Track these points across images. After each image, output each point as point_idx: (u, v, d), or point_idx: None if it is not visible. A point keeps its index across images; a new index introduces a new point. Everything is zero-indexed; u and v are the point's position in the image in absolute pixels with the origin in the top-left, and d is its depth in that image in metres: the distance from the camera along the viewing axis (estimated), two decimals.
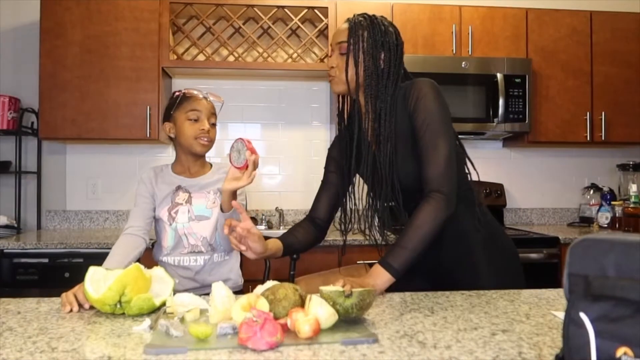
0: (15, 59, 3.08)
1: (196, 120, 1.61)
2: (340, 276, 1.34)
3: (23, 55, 3.06)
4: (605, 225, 3.10)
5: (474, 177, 1.47)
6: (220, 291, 1.03)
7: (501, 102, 2.92)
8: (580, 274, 0.62)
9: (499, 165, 3.42)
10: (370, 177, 1.41)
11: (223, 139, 3.17)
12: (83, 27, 2.77)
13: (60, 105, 2.76)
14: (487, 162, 3.39)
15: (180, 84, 3.14)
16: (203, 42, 3.02)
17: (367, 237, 1.46)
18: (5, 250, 2.42)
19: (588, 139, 3.07)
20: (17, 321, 1.04)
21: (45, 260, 2.44)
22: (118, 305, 1.08)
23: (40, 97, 2.75)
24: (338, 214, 1.55)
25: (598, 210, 3.19)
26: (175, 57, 2.95)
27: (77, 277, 1.18)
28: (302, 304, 0.99)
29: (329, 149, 1.59)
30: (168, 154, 3.17)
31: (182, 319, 1.03)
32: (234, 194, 1.37)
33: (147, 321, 1.00)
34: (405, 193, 1.38)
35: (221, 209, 1.42)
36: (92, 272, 1.15)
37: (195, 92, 1.64)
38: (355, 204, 1.49)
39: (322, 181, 1.56)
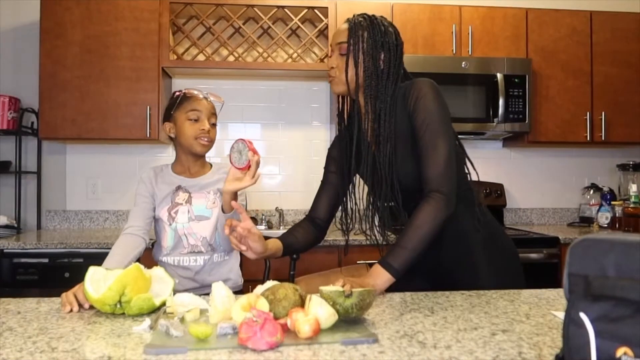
0: (15, 59, 3.08)
1: (196, 121, 1.61)
2: (340, 276, 1.34)
3: (23, 55, 3.06)
4: (605, 225, 3.10)
5: (474, 177, 1.47)
6: (220, 291, 1.03)
7: (501, 102, 2.92)
8: (580, 274, 0.62)
9: (499, 165, 3.42)
10: (370, 177, 1.41)
11: (223, 139, 3.17)
12: (83, 27, 2.77)
13: (60, 105, 2.76)
14: (487, 162, 3.39)
15: (180, 84, 3.14)
16: (203, 42, 3.02)
17: (368, 237, 1.46)
18: (5, 250, 2.42)
19: (588, 139, 3.07)
20: (17, 321, 1.04)
21: (45, 260, 2.44)
22: (118, 305, 1.08)
23: (40, 97, 2.75)
24: (338, 214, 1.55)
25: (598, 210, 3.19)
26: (175, 57, 2.95)
27: (77, 277, 1.18)
28: (302, 304, 0.99)
29: (329, 149, 1.59)
30: (168, 154, 3.17)
31: (182, 319, 1.03)
32: (235, 195, 1.37)
33: (147, 321, 1.00)
34: (404, 193, 1.38)
35: (222, 210, 1.42)
36: (92, 272, 1.15)
37: (196, 92, 1.64)
38: (355, 204, 1.49)
39: (322, 181, 1.56)
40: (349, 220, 1.50)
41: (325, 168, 1.56)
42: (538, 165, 3.46)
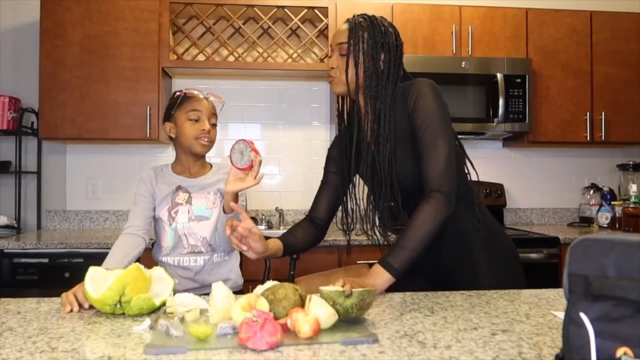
0: (15, 59, 3.08)
1: (197, 121, 1.61)
2: (340, 276, 1.35)
3: (23, 55, 3.06)
4: (605, 225, 3.10)
5: (474, 177, 1.47)
6: (220, 291, 1.03)
7: (501, 102, 2.92)
8: (580, 274, 0.62)
9: (499, 165, 3.42)
10: (369, 177, 1.41)
11: (223, 139, 3.17)
12: (83, 27, 2.77)
13: (60, 105, 2.76)
14: (487, 162, 3.39)
15: (180, 84, 3.14)
16: (203, 42, 3.02)
17: (369, 238, 1.46)
18: (5, 250, 2.42)
19: (588, 139, 3.07)
20: (17, 321, 1.04)
21: (45, 260, 2.44)
22: (118, 305, 1.08)
23: (40, 97, 2.75)
24: (339, 214, 1.55)
25: (598, 210, 3.19)
26: (175, 57, 2.95)
27: (77, 277, 1.18)
28: (302, 304, 0.99)
29: (329, 149, 1.59)
30: (168, 154, 3.17)
31: (182, 319, 1.03)
32: (236, 195, 1.37)
33: (147, 321, 1.00)
34: (404, 193, 1.38)
35: (224, 211, 1.42)
36: (92, 272, 1.15)
37: (196, 92, 1.64)
38: (356, 204, 1.49)
39: (322, 181, 1.56)
40: (349, 221, 1.50)
41: (325, 168, 1.57)
42: (538, 165, 3.46)
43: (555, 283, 2.53)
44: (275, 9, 2.93)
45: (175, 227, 1.62)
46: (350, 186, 1.51)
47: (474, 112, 2.93)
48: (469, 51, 2.98)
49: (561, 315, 1.04)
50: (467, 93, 2.92)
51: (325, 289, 1.01)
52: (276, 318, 0.94)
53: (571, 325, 0.62)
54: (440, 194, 1.28)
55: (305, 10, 2.95)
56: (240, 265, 1.77)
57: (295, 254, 1.63)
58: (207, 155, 1.69)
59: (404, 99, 1.36)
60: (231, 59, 3.00)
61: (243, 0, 2.89)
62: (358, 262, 2.40)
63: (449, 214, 1.28)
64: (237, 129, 3.24)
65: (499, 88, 2.91)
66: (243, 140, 1.30)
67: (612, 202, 3.15)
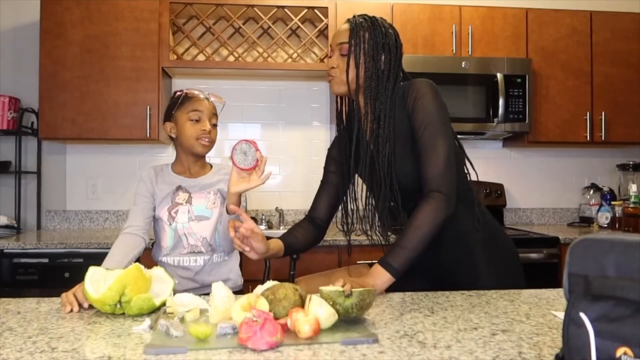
0: (15, 59, 3.08)
1: (197, 121, 1.61)
2: (340, 276, 1.35)
3: (23, 55, 3.06)
4: (605, 225, 3.10)
5: (474, 177, 1.47)
6: (220, 291, 1.03)
7: (501, 102, 2.92)
8: (580, 274, 0.62)
9: (499, 165, 3.42)
10: (369, 177, 1.41)
11: (223, 139, 3.17)
12: (83, 27, 2.77)
13: (60, 105, 2.76)
14: (487, 162, 3.39)
15: (180, 84, 3.14)
16: (203, 42, 3.02)
17: (368, 238, 1.46)
18: (5, 250, 2.42)
19: (588, 139, 3.07)
20: (17, 321, 1.04)
21: (45, 260, 2.44)
22: (118, 305, 1.08)
23: (40, 97, 2.75)
24: (338, 214, 1.55)
25: (598, 210, 3.19)
26: (175, 57, 2.95)
27: (77, 277, 1.18)
28: (302, 304, 0.99)
29: (329, 149, 1.59)
30: (168, 154, 3.17)
31: (182, 319, 1.03)
32: (240, 196, 1.38)
33: (147, 321, 1.00)
34: (404, 193, 1.38)
35: (227, 211, 1.42)
36: (92, 272, 1.15)
37: (197, 93, 1.64)
38: (355, 205, 1.49)
39: (322, 181, 1.56)
40: (349, 221, 1.50)
41: (325, 168, 1.57)
42: (538, 165, 3.46)
43: (555, 283, 2.53)
44: (275, 9, 2.93)
45: (175, 227, 1.62)
46: (350, 186, 1.51)
47: (474, 112, 2.93)
48: (469, 51, 2.98)
49: (561, 315, 1.04)
50: (467, 93, 2.92)
51: (325, 289, 1.01)
52: (276, 318, 0.94)
53: (571, 325, 0.62)
54: (439, 194, 1.28)
55: (305, 10, 2.95)
56: (240, 266, 1.77)
57: (295, 254, 1.63)
58: (207, 155, 1.69)
59: (403, 99, 1.36)
60: (231, 59, 3.00)
61: (243, 0, 2.89)
62: (358, 262, 2.39)
63: (449, 213, 1.28)
64: (237, 129, 3.24)
65: (499, 88, 2.91)
66: (245, 140, 1.30)
67: (612, 202, 3.15)
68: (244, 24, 3.06)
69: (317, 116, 3.29)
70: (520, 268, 1.48)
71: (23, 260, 2.43)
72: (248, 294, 1.03)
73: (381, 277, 1.23)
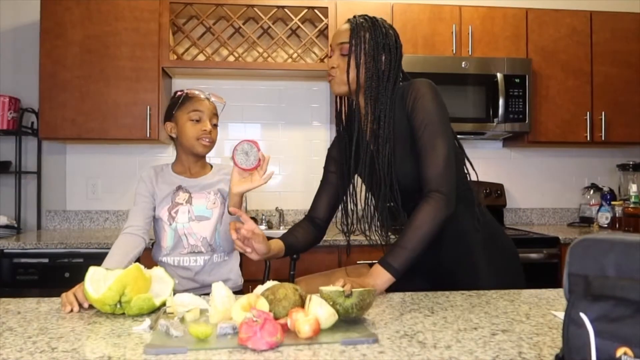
0: (15, 59, 3.08)
1: (198, 121, 1.61)
2: (340, 276, 1.34)
3: (23, 55, 3.06)
4: (605, 225, 3.10)
5: (473, 177, 1.47)
6: (220, 291, 1.03)
7: (501, 102, 2.91)
8: (580, 274, 0.62)
9: (499, 165, 3.42)
10: (368, 177, 1.41)
11: (223, 139, 3.17)
12: (83, 27, 2.77)
13: (60, 105, 2.76)
14: (487, 162, 3.39)
15: (180, 84, 3.14)
16: (203, 42, 3.02)
17: (367, 238, 1.46)
18: (5, 250, 2.42)
19: (588, 139, 3.07)
20: (17, 321, 1.04)
21: (45, 260, 2.44)
22: (118, 305, 1.08)
23: (40, 97, 2.75)
24: (338, 214, 1.55)
25: (598, 210, 3.19)
26: (175, 57, 2.95)
27: (77, 277, 1.18)
28: (302, 304, 0.99)
29: (329, 149, 1.59)
30: (168, 154, 3.17)
31: (182, 319, 1.03)
32: (241, 196, 1.38)
33: (147, 321, 1.00)
34: (404, 193, 1.38)
35: (229, 212, 1.42)
36: (92, 272, 1.15)
37: (197, 93, 1.64)
38: (355, 205, 1.49)
39: (322, 181, 1.56)
40: (349, 221, 1.50)
41: (325, 168, 1.57)
42: (538, 165, 3.46)
43: (555, 283, 2.53)
44: (275, 9, 2.93)
45: (175, 227, 1.62)
46: (350, 186, 1.51)
47: (473, 112, 2.93)
48: (469, 51, 2.98)
49: (561, 315, 1.04)
50: (467, 93, 2.92)
51: (325, 289, 1.01)
52: (276, 318, 0.94)
53: (571, 325, 0.62)
54: (439, 193, 1.28)
55: (305, 10, 2.95)
56: (240, 266, 1.77)
57: (295, 254, 1.63)
58: (207, 155, 1.69)
59: (403, 99, 1.36)
60: (231, 59, 3.00)
61: (243, 0, 2.89)
62: (358, 262, 2.39)
63: (449, 213, 1.28)
64: (237, 129, 3.24)
65: (499, 88, 2.91)
66: (247, 140, 1.30)
67: (612, 202, 3.15)
68: (244, 24, 3.06)
69: (317, 116, 3.29)
70: (520, 268, 1.48)
71: (23, 260, 2.43)
72: (248, 294, 1.03)
73: (381, 277, 1.23)
